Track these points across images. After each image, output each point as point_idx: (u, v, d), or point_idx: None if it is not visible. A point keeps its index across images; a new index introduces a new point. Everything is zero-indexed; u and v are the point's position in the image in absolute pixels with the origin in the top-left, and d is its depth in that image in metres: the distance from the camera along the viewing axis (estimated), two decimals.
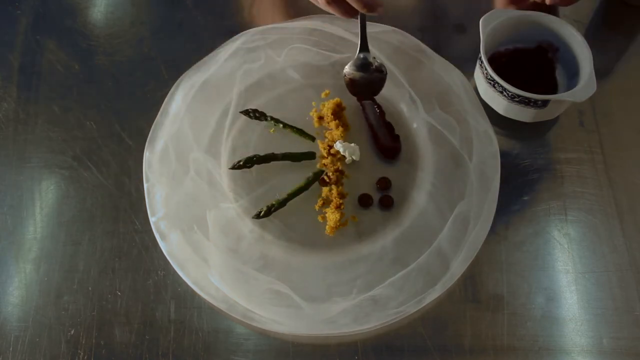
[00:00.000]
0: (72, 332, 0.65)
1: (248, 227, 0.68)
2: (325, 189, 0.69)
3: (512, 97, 0.68)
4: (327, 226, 0.67)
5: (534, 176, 0.71)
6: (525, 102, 0.68)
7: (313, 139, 0.73)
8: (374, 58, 0.71)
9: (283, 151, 0.71)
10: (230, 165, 0.70)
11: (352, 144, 0.70)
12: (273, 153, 0.71)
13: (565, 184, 0.70)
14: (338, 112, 0.73)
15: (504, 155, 0.69)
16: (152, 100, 0.75)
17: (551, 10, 0.76)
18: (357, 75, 0.71)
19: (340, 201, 0.68)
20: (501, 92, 0.69)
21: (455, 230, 0.65)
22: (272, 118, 0.73)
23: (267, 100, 0.75)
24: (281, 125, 0.72)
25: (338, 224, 0.67)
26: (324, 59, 0.77)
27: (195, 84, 0.74)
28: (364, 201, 0.69)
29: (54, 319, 0.65)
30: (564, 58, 0.73)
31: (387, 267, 0.65)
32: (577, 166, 0.71)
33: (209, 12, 0.83)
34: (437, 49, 0.76)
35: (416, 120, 0.73)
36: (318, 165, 0.71)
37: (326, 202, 0.69)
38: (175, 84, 0.74)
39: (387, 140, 0.72)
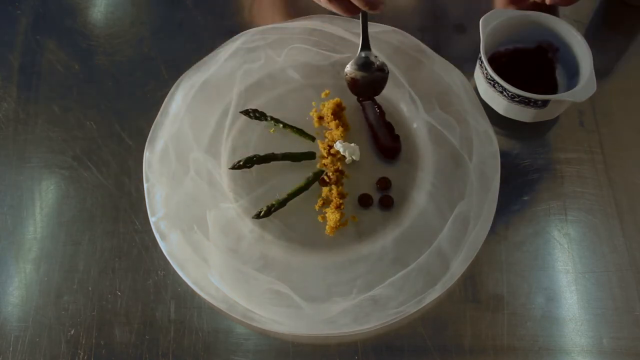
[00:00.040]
0: (72, 332, 0.65)
1: (248, 227, 0.68)
2: (325, 189, 0.69)
3: (512, 97, 0.68)
4: (327, 226, 0.67)
5: (534, 176, 0.71)
6: (525, 102, 0.68)
7: (313, 139, 0.73)
8: (376, 57, 0.71)
9: (283, 151, 0.71)
10: (230, 165, 0.70)
11: (352, 144, 0.70)
12: (273, 153, 0.71)
13: (565, 184, 0.70)
14: (338, 112, 0.73)
15: (504, 155, 0.69)
16: (152, 100, 0.75)
17: (551, 10, 0.76)
18: (359, 74, 0.71)
19: (340, 201, 0.68)
20: (501, 92, 0.69)
21: (455, 230, 0.65)
22: (272, 118, 0.73)
23: (267, 100, 0.75)
24: (281, 125, 0.72)
25: (338, 224, 0.67)
26: (324, 59, 0.76)
27: (195, 84, 0.74)
28: (364, 201, 0.69)
29: (54, 319, 0.65)
30: (564, 58, 0.73)
31: (387, 267, 0.64)
32: (577, 166, 0.71)
33: (209, 12, 0.83)
34: (437, 49, 0.76)
35: (416, 120, 0.73)
36: (318, 165, 0.71)
37: (326, 202, 0.69)
38: (175, 84, 0.74)
39: (387, 140, 0.72)
